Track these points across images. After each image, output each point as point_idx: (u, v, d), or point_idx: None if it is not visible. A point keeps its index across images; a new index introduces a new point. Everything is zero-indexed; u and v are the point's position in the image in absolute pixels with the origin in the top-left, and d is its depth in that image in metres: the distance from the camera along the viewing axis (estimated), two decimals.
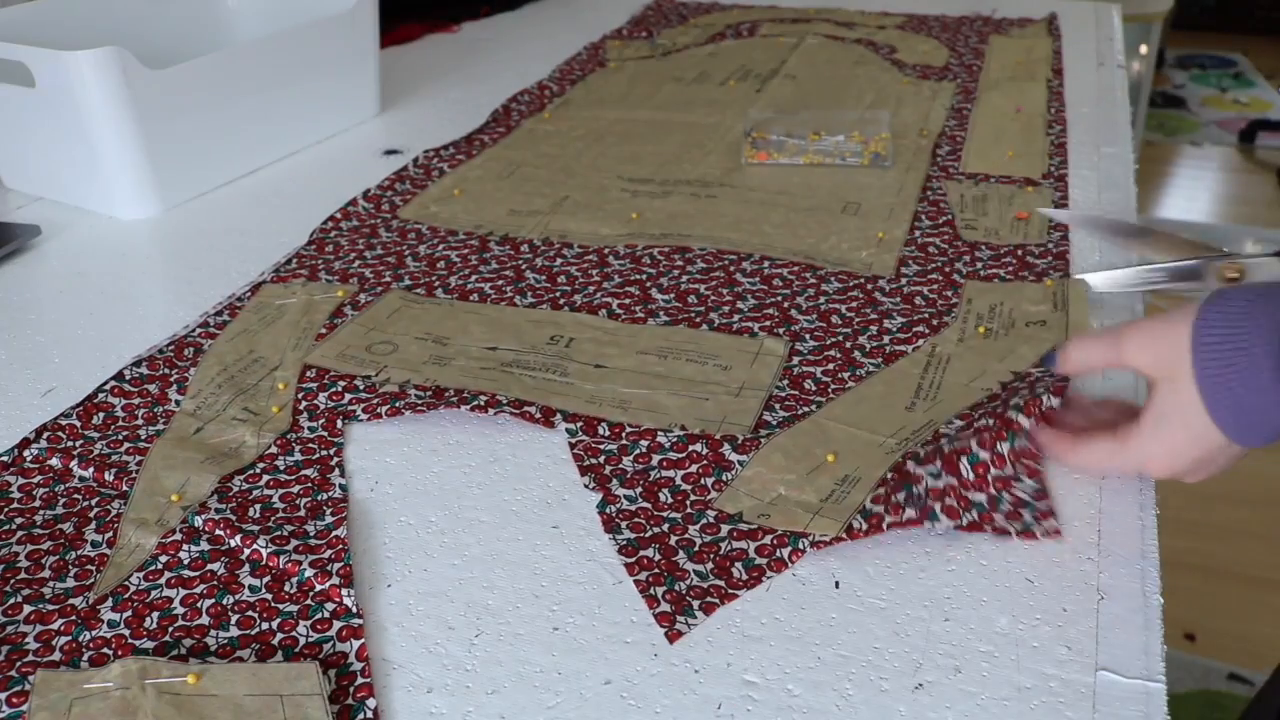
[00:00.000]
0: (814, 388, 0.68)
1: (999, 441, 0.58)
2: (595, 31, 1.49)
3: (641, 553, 0.56)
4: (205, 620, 0.52)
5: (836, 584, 0.54)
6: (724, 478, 0.60)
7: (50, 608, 0.53)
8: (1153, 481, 0.60)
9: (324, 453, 0.64)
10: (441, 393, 0.68)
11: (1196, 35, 4.42)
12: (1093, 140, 1.07)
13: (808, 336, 0.74)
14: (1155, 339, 0.55)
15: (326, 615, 0.52)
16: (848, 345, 0.73)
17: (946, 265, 0.83)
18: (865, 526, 0.55)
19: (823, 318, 0.76)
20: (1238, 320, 0.51)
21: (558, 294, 0.80)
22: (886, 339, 0.73)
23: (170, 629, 0.52)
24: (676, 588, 0.53)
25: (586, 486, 0.61)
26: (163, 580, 0.54)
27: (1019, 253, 0.84)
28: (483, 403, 0.66)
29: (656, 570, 0.54)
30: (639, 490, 0.60)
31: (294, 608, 0.53)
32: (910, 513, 0.56)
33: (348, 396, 0.68)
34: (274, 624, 0.52)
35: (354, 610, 0.52)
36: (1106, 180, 0.98)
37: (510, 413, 0.65)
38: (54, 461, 0.63)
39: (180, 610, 0.53)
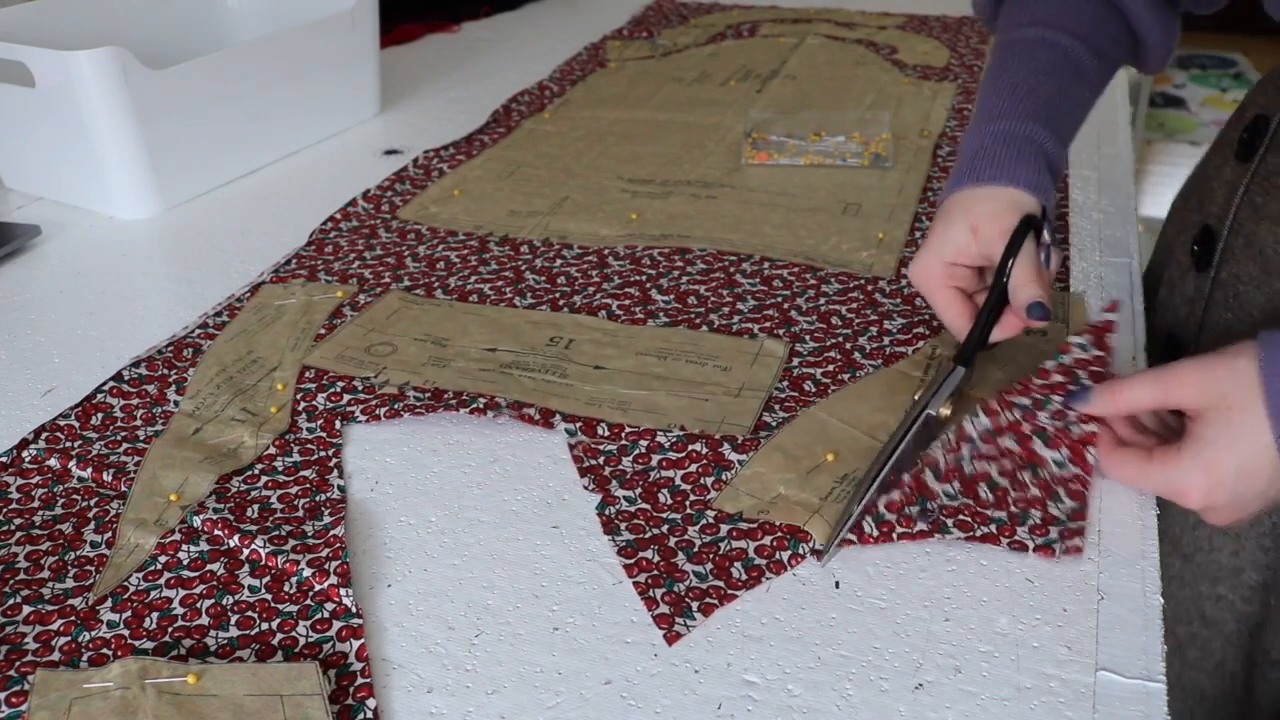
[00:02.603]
0: (814, 389, 0.68)
1: (1020, 471, 0.58)
2: (595, 31, 1.49)
3: (641, 554, 0.56)
4: (205, 620, 0.52)
5: (836, 584, 0.54)
6: (724, 477, 0.60)
7: (50, 608, 0.53)
8: None
9: (322, 454, 0.64)
10: (441, 395, 0.68)
11: (1196, 35, 4.41)
12: (1093, 140, 1.07)
13: (808, 338, 0.74)
14: (1208, 373, 0.53)
15: (326, 615, 0.52)
16: (848, 346, 0.73)
17: None
18: (876, 534, 0.56)
19: (823, 319, 0.76)
20: None
21: (557, 295, 0.80)
22: (887, 340, 0.73)
23: (170, 629, 0.52)
24: (675, 589, 0.53)
25: (586, 488, 0.60)
26: (162, 580, 0.54)
27: None
28: (482, 405, 0.66)
29: (656, 572, 0.54)
30: (638, 491, 0.60)
31: (294, 608, 0.52)
32: (922, 526, 0.56)
33: (346, 397, 0.68)
34: (274, 624, 0.52)
35: (354, 610, 0.52)
36: (1106, 180, 0.98)
37: (509, 415, 0.65)
38: (53, 462, 0.63)
39: (180, 610, 0.53)
